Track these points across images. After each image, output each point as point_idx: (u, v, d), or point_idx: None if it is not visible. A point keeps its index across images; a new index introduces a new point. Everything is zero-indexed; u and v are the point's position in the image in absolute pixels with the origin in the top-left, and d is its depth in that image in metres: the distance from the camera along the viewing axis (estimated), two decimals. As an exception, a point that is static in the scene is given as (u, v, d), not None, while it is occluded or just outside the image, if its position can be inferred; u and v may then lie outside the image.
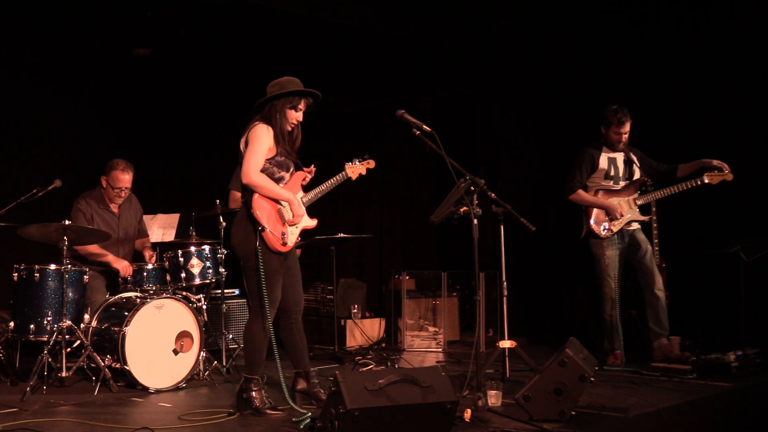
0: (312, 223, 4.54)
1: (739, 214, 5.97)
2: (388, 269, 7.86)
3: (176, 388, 5.13)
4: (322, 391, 4.42)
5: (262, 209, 4.24)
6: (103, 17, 6.49)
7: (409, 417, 3.54)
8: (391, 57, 7.57)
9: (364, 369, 5.68)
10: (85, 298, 5.40)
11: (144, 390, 5.01)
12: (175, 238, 6.32)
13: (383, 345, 7.23)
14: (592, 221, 5.73)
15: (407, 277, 7.27)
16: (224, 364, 5.67)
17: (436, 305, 7.21)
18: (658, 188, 5.69)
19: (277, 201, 4.31)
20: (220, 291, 5.93)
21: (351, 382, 3.50)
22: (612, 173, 5.78)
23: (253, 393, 4.25)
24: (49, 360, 5.01)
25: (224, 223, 5.81)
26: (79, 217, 5.64)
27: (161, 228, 6.44)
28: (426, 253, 8.30)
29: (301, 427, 3.87)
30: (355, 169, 4.80)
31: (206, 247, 5.70)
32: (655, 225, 5.88)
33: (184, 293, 5.67)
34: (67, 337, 5.05)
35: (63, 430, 4.05)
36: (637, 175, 5.80)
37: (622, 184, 5.79)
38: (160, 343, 5.16)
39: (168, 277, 5.65)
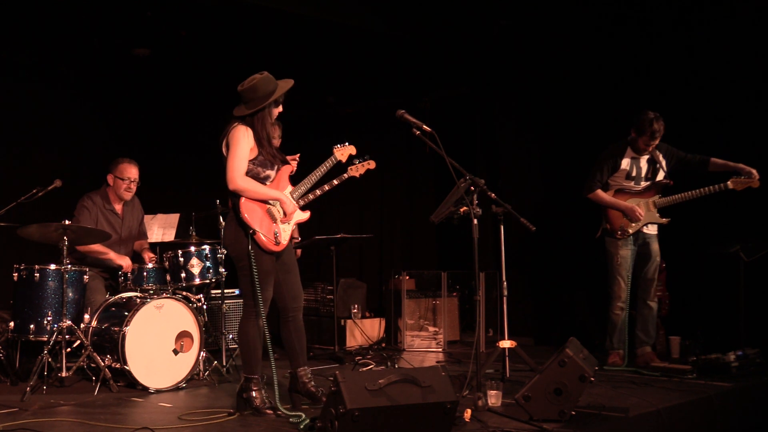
0: (304, 216, 4.48)
1: (739, 214, 5.97)
2: (388, 269, 7.86)
3: (176, 388, 5.13)
4: (314, 386, 4.38)
5: (250, 212, 4.19)
6: (103, 17, 6.49)
7: (409, 417, 3.54)
8: (391, 57, 7.57)
9: (364, 369, 5.68)
10: (85, 298, 5.40)
11: (144, 390, 5.01)
12: (175, 238, 6.32)
13: (383, 345, 7.23)
14: (609, 221, 5.70)
15: (407, 277, 7.27)
16: (224, 364, 5.67)
17: (436, 305, 7.21)
18: (681, 191, 5.57)
19: (265, 201, 4.28)
20: (220, 291, 5.93)
21: (351, 382, 3.50)
22: (634, 174, 5.69)
23: (253, 393, 4.24)
24: (49, 360, 5.01)
25: (224, 223, 5.80)
26: (83, 213, 5.65)
27: (161, 228, 6.44)
28: (426, 253, 8.30)
29: (302, 427, 3.87)
30: (345, 150, 4.70)
31: (206, 247, 5.70)
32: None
33: (184, 293, 5.67)
34: (67, 337, 5.05)
35: (63, 430, 4.04)
36: (660, 176, 5.70)
37: (643, 185, 5.70)
38: (160, 343, 5.16)
39: (168, 277, 5.65)
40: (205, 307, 5.70)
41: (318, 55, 7.39)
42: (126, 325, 5.03)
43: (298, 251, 6.03)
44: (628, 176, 5.70)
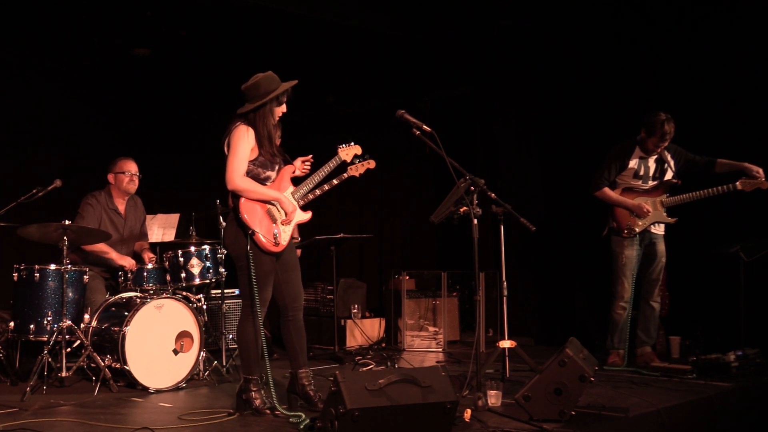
0: (305, 216, 4.47)
1: (739, 214, 5.96)
2: (388, 269, 7.86)
3: (176, 388, 5.13)
4: (313, 389, 4.36)
5: (250, 212, 4.20)
6: (103, 17, 6.49)
7: (409, 417, 3.54)
8: (391, 57, 7.58)
9: (364, 369, 5.68)
10: (85, 298, 5.40)
11: (144, 390, 5.01)
12: (175, 238, 6.33)
13: (383, 345, 7.23)
14: (616, 219, 5.70)
15: (407, 277, 7.27)
16: (224, 364, 5.67)
17: (436, 305, 7.21)
18: (688, 190, 5.56)
19: (266, 201, 4.29)
20: (220, 291, 5.93)
21: (351, 382, 3.50)
22: (641, 173, 5.68)
23: (253, 393, 4.24)
24: (49, 360, 5.01)
25: (224, 223, 5.80)
26: (88, 210, 5.67)
27: (161, 228, 6.45)
28: (426, 253, 8.30)
29: (302, 427, 3.87)
30: (350, 150, 4.67)
31: (206, 247, 5.70)
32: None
33: (184, 293, 5.67)
34: (67, 337, 5.05)
35: (63, 430, 4.04)
36: (668, 176, 5.70)
37: (651, 183, 5.70)
38: (160, 343, 5.16)
39: (168, 277, 5.65)
40: (205, 307, 5.70)
41: (318, 55, 7.39)
42: (126, 325, 5.03)
43: (298, 251, 6.02)
44: (636, 175, 5.69)
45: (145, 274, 5.64)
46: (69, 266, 5.14)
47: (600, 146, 5.95)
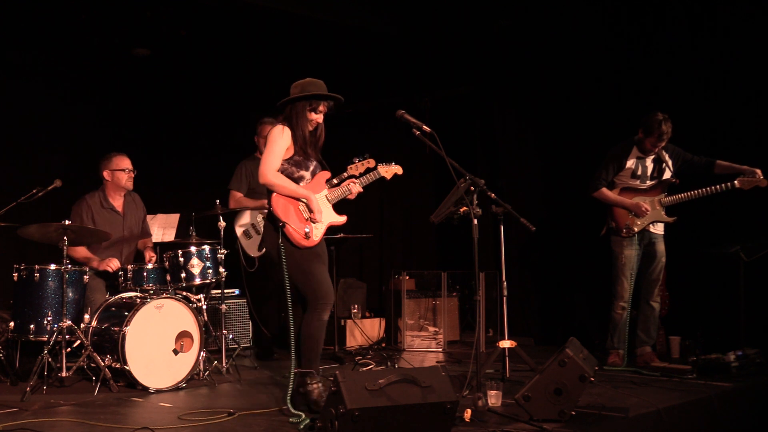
0: (340, 219, 4.64)
1: (739, 214, 5.96)
2: (388, 269, 7.86)
3: (176, 388, 5.13)
4: (320, 393, 4.36)
5: (280, 206, 4.35)
6: (103, 17, 6.50)
7: (409, 417, 3.54)
8: (390, 57, 7.58)
9: (364, 369, 5.68)
10: (85, 298, 5.40)
11: (144, 390, 5.01)
12: (175, 238, 6.32)
13: (383, 345, 7.22)
14: (614, 219, 5.70)
15: (407, 277, 7.27)
16: (224, 364, 5.67)
17: (436, 305, 7.21)
18: (687, 189, 5.57)
19: (295, 198, 4.39)
20: (220, 291, 5.93)
21: (351, 382, 3.50)
22: (639, 172, 5.69)
23: (313, 386, 4.27)
24: (49, 360, 5.00)
25: (224, 223, 5.82)
26: (76, 222, 5.63)
27: (161, 228, 6.44)
28: (426, 253, 8.30)
29: (302, 427, 3.87)
30: (390, 169, 4.95)
31: (206, 247, 5.70)
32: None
33: (184, 293, 5.67)
34: (67, 337, 5.04)
35: (63, 430, 4.04)
36: (666, 175, 5.70)
37: (649, 183, 5.71)
38: (160, 343, 5.16)
39: (168, 277, 5.65)
40: (205, 307, 5.70)
41: (318, 54, 7.39)
42: (126, 325, 5.03)
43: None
44: (634, 175, 5.70)
45: (145, 274, 5.63)
46: (69, 266, 5.13)
47: (600, 146, 5.95)
